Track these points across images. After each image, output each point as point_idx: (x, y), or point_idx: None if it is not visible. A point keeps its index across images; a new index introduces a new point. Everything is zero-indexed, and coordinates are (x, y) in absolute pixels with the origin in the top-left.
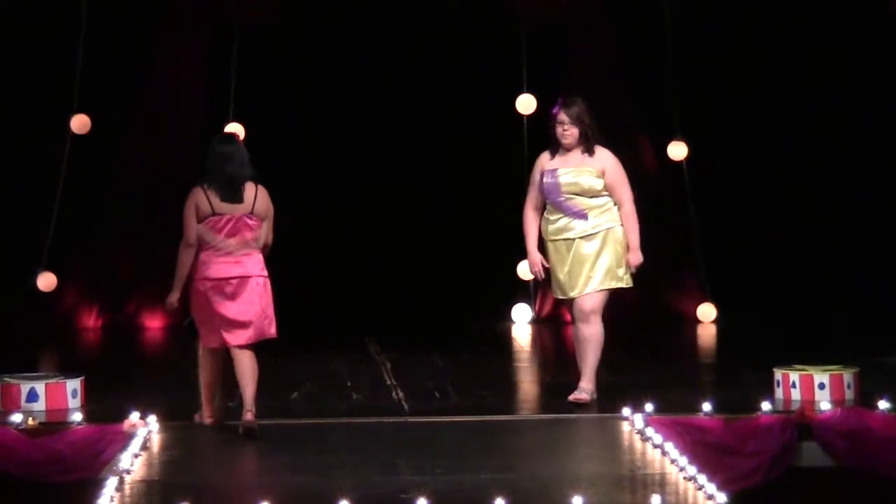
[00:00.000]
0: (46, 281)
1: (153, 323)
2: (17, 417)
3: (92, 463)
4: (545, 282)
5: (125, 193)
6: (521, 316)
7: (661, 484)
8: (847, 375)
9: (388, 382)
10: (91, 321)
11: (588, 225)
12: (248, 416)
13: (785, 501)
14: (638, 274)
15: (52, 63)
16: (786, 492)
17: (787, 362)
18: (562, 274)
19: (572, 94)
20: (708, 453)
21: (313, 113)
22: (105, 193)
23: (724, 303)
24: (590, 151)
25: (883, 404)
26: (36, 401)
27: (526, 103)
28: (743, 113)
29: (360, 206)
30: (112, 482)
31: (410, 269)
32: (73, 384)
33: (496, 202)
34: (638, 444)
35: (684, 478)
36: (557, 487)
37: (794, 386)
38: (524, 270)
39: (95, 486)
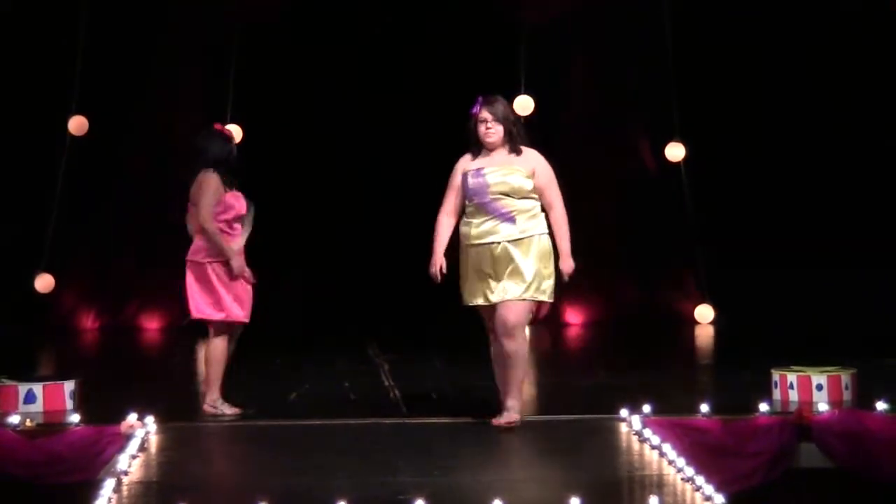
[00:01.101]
0: (44, 282)
1: (151, 324)
2: (14, 419)
3: (90, 464)
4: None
5: (123, 195)
6: None
7: (659, 485)
8: (845, 376)
9: (387, 383)
10: (89, 322)
11: (516, 229)
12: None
13: (783, 503)
14: (637, 275)
15: (50, 64)
16: (784, 493)
17: (785, 363)
18: (483, 279)
19: (494, 93)
20: (706, 454)
21: (312, 113)
22: (103, 195)
23: (721, 304)
24: (516, 151)
25: (881, 405)
26: (33, 402)
27: (523, 104)
28: (742, 113)
29: (358, 206)
30: (110, 483)
31: (409, 270)
32: (71, 385)
33: None
34: (636, 445)
35: (682, 479)
36: (555, 489)
37: (791, 387)
38: None
39: (93, 487)
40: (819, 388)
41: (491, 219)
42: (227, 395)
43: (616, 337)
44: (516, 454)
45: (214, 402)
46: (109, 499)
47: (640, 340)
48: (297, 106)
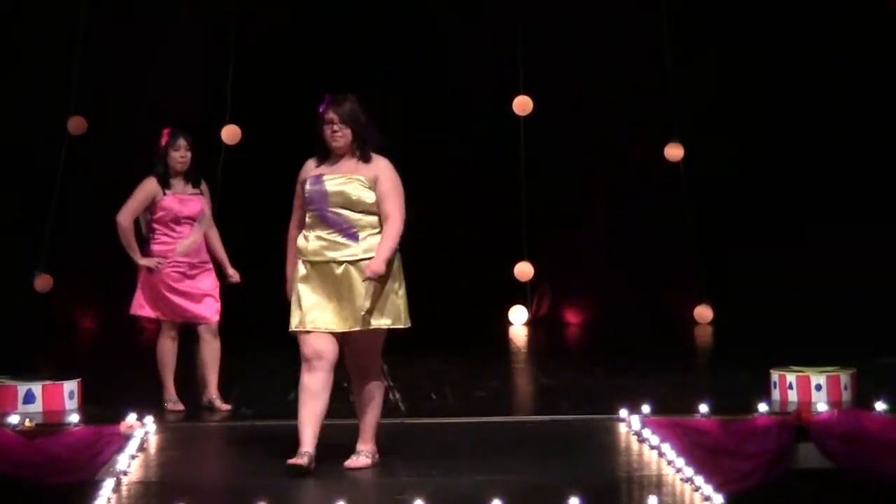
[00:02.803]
0: (43, 282)
1: (150, 324)
2: (13, 419)
3: (89, 464)
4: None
5: (122, 195)
6: (518, 317)
7: (658, 485)
8: (844, 377)
9: (385, 384)
10: (88, 322)
11: (359, 248)
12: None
13: (782, 503)
14: (635, 275)
15: (49, 64)
16: (783, 493)
17: (784, 363)
18: (327, 303)
19: (343, 92)
20: (705, 455)
21: (312, 113)
22: (102, 195)
23: (720, 304)
24: (365, 158)
25: (880, 406)
26: (33, 402)
27: (522, 104)
28: (741, 114)
29: None
30: (109, 484)
31: (407, 271)
32: (70, 385)
33: (493, 203)
34: (635, 445)
35: (681, 479)
36: (554, 489)
37: (790, 387)
38: (521, 272)
39: (92, 487)
40: (818, 388)
41: (331, 233)
42: (227, 394)
43: (615, 337)
44: (515, 454)
45: (167, 399)
46: (109, 499)
47: (638, 340)
48: (298, 106)
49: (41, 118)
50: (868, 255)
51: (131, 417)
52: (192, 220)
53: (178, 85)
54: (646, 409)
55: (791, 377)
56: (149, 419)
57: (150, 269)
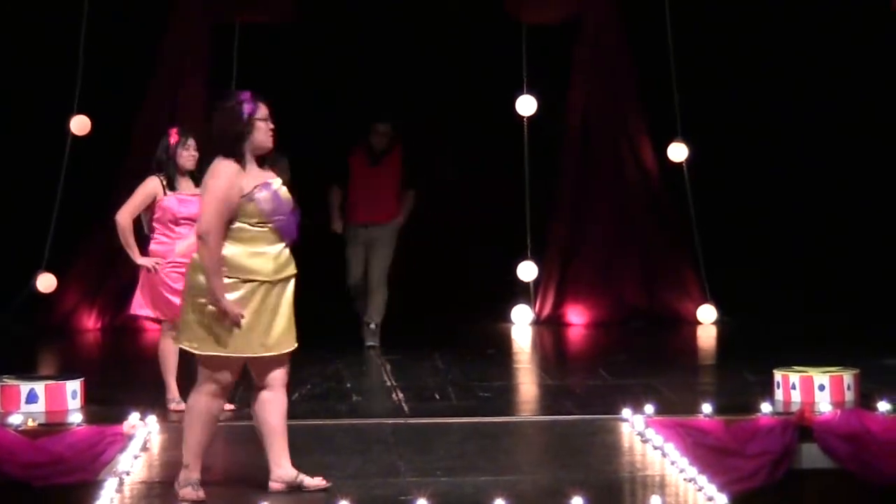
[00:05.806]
0: (46, 282)
1: (153, 324)
2: (16, 419)
3: (91, 464)
4: (547, 282)
5: (125, 194)
6: (521, 317)
7: (661, 485)
8: (847, 377)
9: (389, 384)
10: (91, 322)
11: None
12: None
13: (785, 503)
14: (639, 275)
15: (52, 63)
16: (786, 494)
17: (787, 363)
18: (259, 324)
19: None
20: (708, 455)
21: (315, 114)
22: (105, 194)
23: (724, 304)
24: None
25: (883, 406)
26: (35, 402)
27: (526, 104)
28: (744, 114)
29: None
30: (112, 483)
31: (411, 270)
32: (73, 385)
33: (496, 203)
34: (638, 445)
35: (684, 479)
36: (557, 489)
37: (793, 387)
38: (524, 272)
39: (95, 487)
40: (821, 388)
41: (286, 245)
42: (231, 394)
43: (618, 337)
44: (518, 454)
45: (170, 399)
46: (111, 499)
47: (642, 341)
48: (301, 105)
49: (44, 117)
50: (873, 255)
51: (134, 417)
52: (191, 220)
53: (182, 84)
54: (649, 409)
55: (794, 377)
56: (151, 419)
57: (148, 269)
